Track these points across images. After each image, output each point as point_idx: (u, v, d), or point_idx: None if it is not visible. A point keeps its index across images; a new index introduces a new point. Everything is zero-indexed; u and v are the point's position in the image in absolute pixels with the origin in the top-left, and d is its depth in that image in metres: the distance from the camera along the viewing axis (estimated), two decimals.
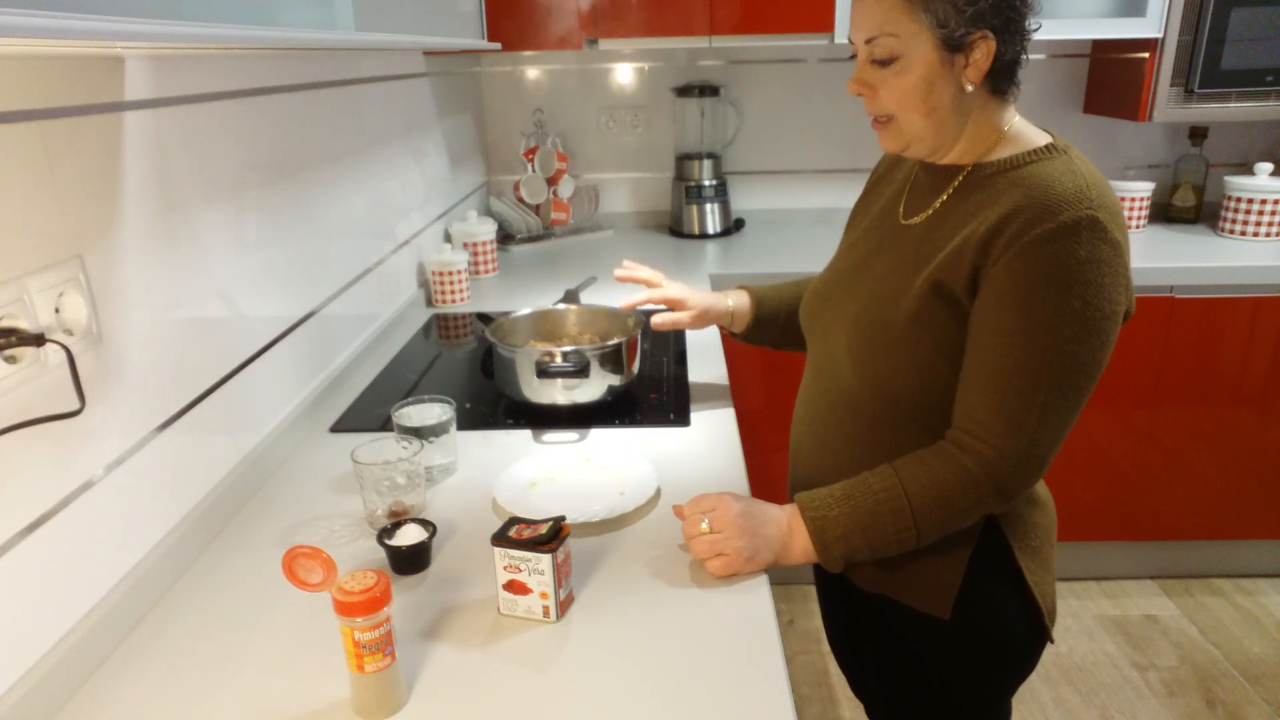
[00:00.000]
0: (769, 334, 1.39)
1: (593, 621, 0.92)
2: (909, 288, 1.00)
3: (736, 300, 1.38)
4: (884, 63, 0.96)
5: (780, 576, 2.57)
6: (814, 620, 2.43)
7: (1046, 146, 0.98)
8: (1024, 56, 0.98)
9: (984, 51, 0.94)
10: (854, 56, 1.02)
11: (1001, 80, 0.98)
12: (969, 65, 0.95)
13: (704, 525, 1.00)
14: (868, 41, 0.97)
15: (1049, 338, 0.90)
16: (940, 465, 0.96)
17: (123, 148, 0.95)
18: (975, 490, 0.95)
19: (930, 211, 1.03)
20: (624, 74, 2.76)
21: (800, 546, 1.00)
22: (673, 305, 1.38)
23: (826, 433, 1.11)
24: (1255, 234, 2.42)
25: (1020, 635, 1.08)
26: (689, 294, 1.39)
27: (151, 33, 0.61)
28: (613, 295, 2.05)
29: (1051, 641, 1.11)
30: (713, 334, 1.81)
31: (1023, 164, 0.97)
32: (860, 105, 2.75)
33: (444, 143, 2.30)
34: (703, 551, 0.99)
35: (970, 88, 0.96)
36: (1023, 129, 1.01)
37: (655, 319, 1.38)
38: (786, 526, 1.01)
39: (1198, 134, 2.61)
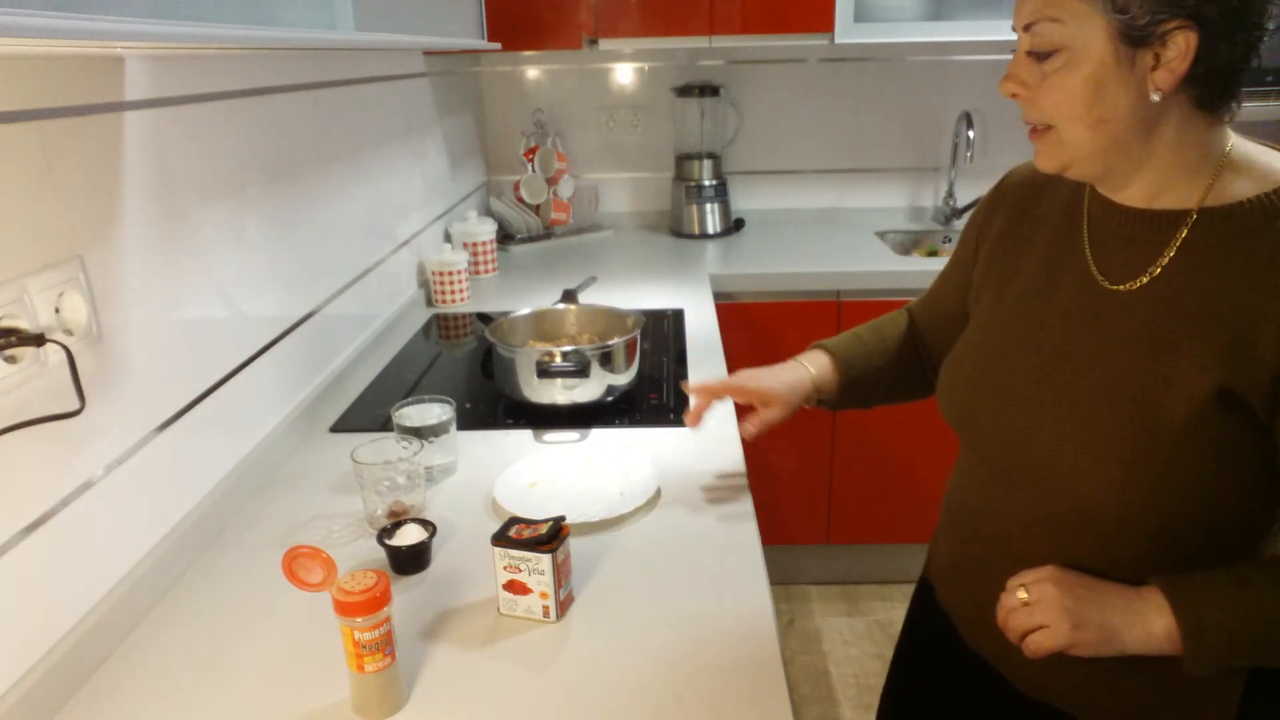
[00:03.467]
0: (859, 396, 1.15)
1: (593, 621, 0.92)
2: (1168, 386, 0.77)
3: (818, 369, 1.13)
4: (1043, 56, 0.76)
5: (780, 576, 2.57)
6: (814, 620, 2.43)
7: None
8: (1251, 60, 0.75)
9: (1181, 48, 0.71)
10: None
11: (1213, 92, 0.75)
12: (1159, 66, 0.72)
13: (1021, 594, 0.83)
14: (1026, 28, 0.77)
15: None
16: None
17: (123, 148, 0.95)
18: None
19: (1155, 272, 0.80)
20: (624, 74, 2.76)
21: (1160, 631, 0.77)
22: (751, 399, 1.12)
23: (1037, 557, 0.87)
24: None
25: None
26: (765, 382, 1.12)
27: (151, 33, 0.61)
28: (613, 295, 2.05)
29: None
30: (712, 334, 1.81)
31: None
32: (860, 105, 2.76)
33: (444, 143, 2.30)
34: (1019, 623, 0.82)
35: (1157, 96, 0.73)
36: (1253, 153, 0.79)
37: (744, 429, 1.14)
38: (1140, 604, 0.79)
39: None
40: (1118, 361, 0.80)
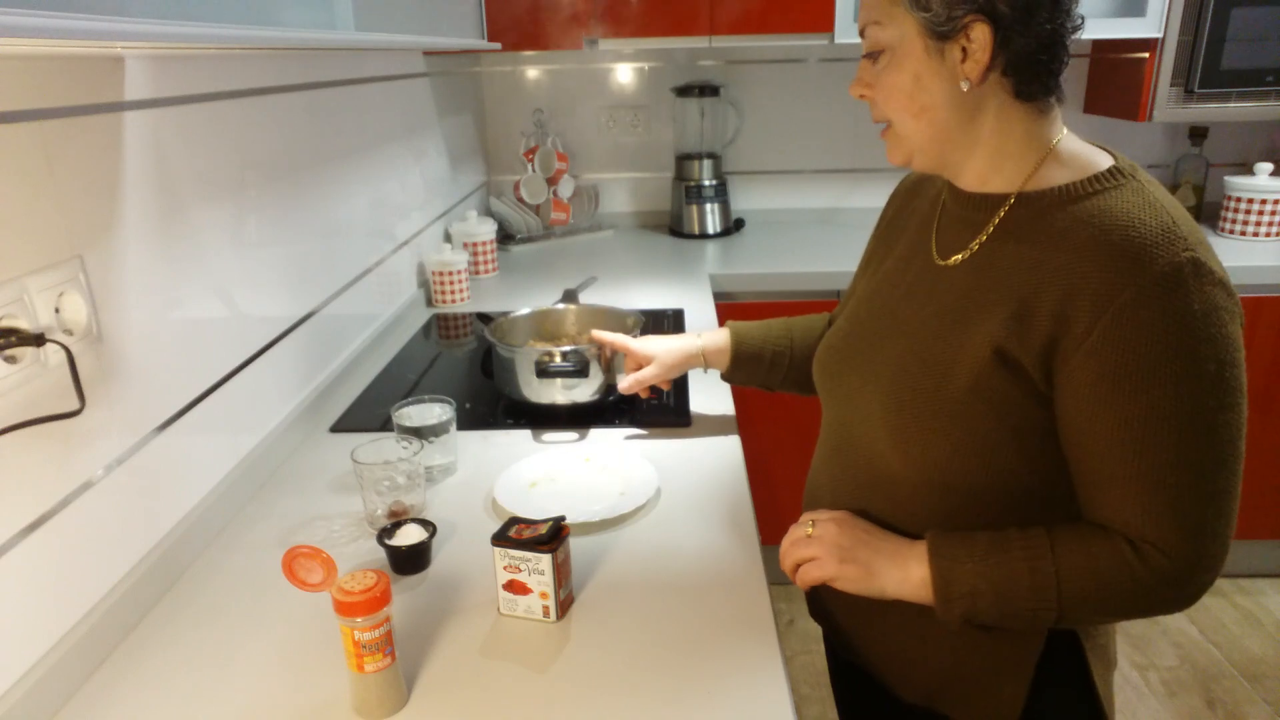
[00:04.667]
0: (755, 374, 1.25)
1: (593, 621, 0.92)
2: (961, 349, 0.83)
3: (710, 339, 1.25)
4: (874, 56, 0.84)
5: (780, 576, 2.57)
6: (814, 620, 2.43)
7: (1110, 171, 0.81)
8: (1060, 53, 0.80)
9: (980, 40, 0.78)
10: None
11: (1023, 80, 0.80)
12: (966, 58, 0.80)
13: (807, 529, 0.92)
14: (860, 33, 0.86)
15: (1197, 417, 0.74)
16: (1107, 561, 0.78)
17: (123, 148, 0.95)
18: (1145, 599, 0.78)
19: (971, 251, 0.87)
20: (624, 74, 2.76)
21: (917, 577, 0.84)
22: (640, 362, 1.29)
23: None
24: (1255, 234, 2.42)
25: None
26: (653, 347, 1.28)
27: (151, 33, 0.61)
28: (613, 295, 2.05)
29: None
30: None
31: (1083, 195, 0.80)
32: (860, 105, 2.75)
33: (444, 143, 2.30)
34: (796, 552, 0.91)
35: (965, 85, 0.80)
36: (1075, 147, 0.84)
37: (620, 384, 1.30)
38: (907, 551, 0.86)
39: (1198, 134, 2.61)
40: (927, 330, 0.87)
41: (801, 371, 1.21)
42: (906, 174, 1.07)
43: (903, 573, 0.85)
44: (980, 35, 0.78)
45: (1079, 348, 0.76)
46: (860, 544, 0.88)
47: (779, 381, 1.24)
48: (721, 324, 1.86)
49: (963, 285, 0.86)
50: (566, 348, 1.39)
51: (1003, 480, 0.83)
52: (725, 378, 1.29)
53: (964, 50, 0.80)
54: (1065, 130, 0.85)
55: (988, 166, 0.86)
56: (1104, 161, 0.83)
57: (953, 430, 0.83)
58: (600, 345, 1.36)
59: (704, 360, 1.27)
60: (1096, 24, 2.27)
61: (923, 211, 0.98)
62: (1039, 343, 0.78)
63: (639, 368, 1.30)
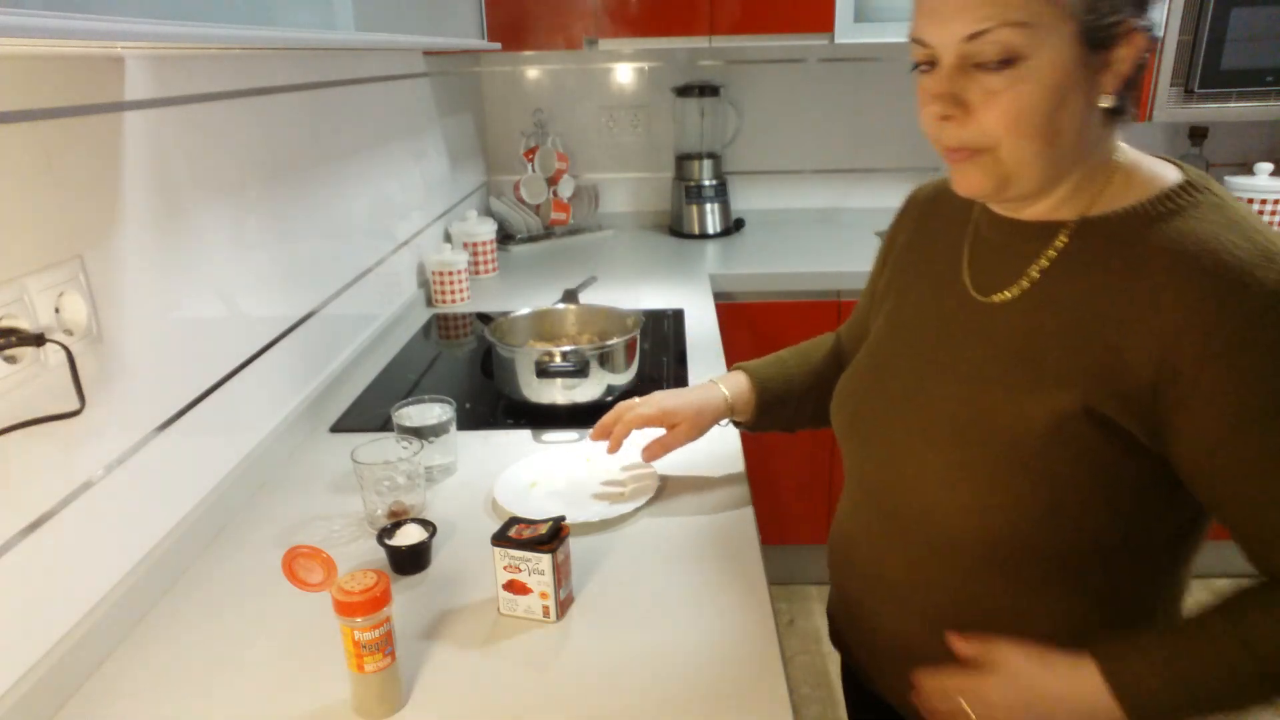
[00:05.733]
0: (780, 419, 1.13)
1: (593, 621, 0.92)
2: (1035, 402, 0.73)
3: (733, 388, 1.11)
4: (997, 66, 0.68)
5: (780, 576, 2.57)
6: (814, 620, 2.43)
7: (1182, 187, 0.73)
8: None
9: (1131, 50, 0.68)
10: (922, 66, 0.74)
11: (1131, 95, 0.72)
12: (1106, 70, 0.69)
13: (965, 708, 0.78)
14: (971, 37, 0.68)
15: None
16: None
17: (123, 148, 0.95)
18: None
19: (1025, 286, 0.77)
20: (624, 74, 2.76)
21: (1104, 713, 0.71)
22: (658, 423, 1.11)
23: (913, 595, 0.84)
24: None
25: None
26: (672, 403, 1.11)
27: (151, 33, 0.61)
28: (613, 295, 2.05)
29: None
30: (712, 334, 1.80)
31: (1158, 216, 0.71)
32: (860, 105, 2.75)
33: (444, 143, 2.30)
34: None
35: (1107, 101, 0.70)
36: (1137, 160, 0.76)
37: (645, 450, 1.13)
38: (1081, 688, 0.72)
39: (1198, 134, 2.61)
40: (985, 378, 0.77)
41: (821, 406, 1.07)
42: (917, 189, 0.98)
43: (1105, 708, 0.71)
44: (1134, 44, 0.68)
45: (1194, 393, 0.67)
46: (1031, 706, 0.74)
47: (805, 421, 1.13)
48: (721, 323, 1.87)
49: (1021, 326, 0.76)
50: (566, 348, 1.39)
51: (1091, 540, 0.74)
52: (749, 427, 1.15)
53: (1109, 60, 0.69)
54: (1120, 143, 0.75)
55: (1069, 193, 0.75)
56: (1172, 175, 0.74)
57: (1034, 492, 0.72)
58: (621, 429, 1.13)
59: (730, 411, 1.12)
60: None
61: (946, 235, 0.88)
62: (1139, 395, 0.69)
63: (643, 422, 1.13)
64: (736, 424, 1.16)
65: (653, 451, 1.12)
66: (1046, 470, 0.72)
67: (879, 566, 0.87)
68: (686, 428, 1.10)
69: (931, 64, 0.73)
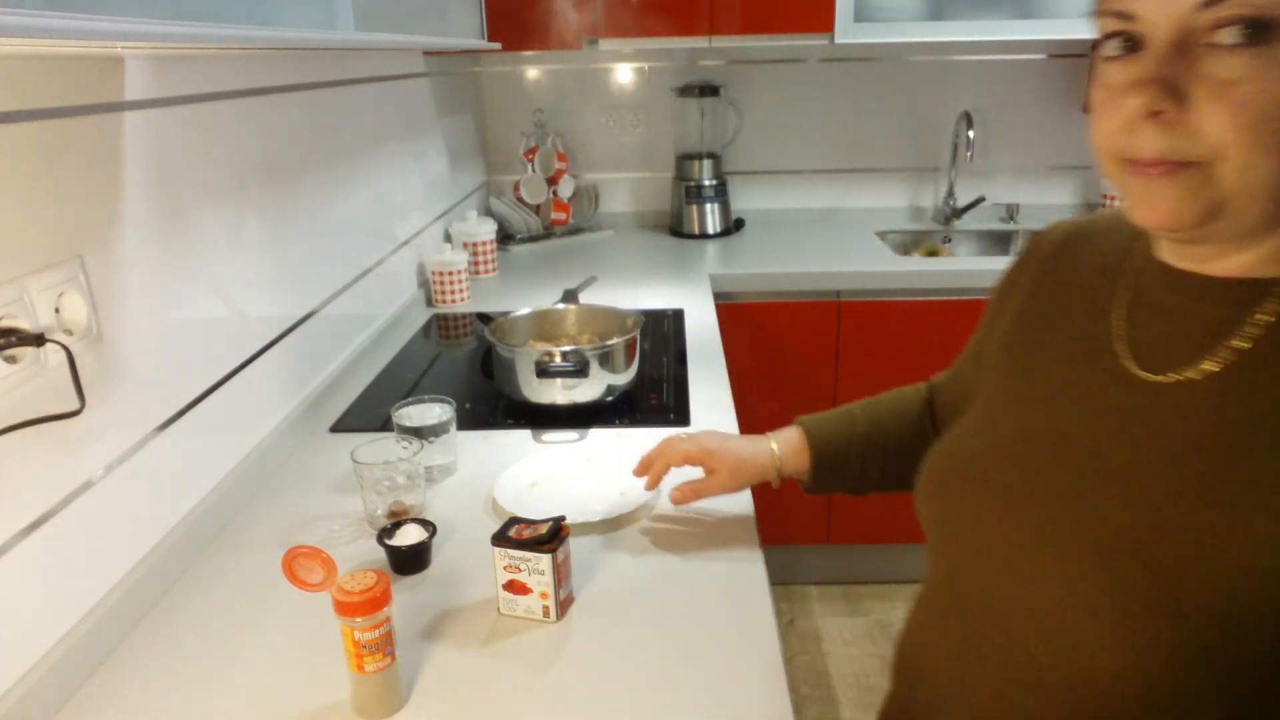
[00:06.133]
0: (843, 480, 1.00)
1: (593, 621, 0.92)
2: (1227, 518, 0.55)
3: (784, 444, 1.00)
4: (1240, 45, 0.51)
5: (780, 576, 2.57)
6: (814, 620, 2.43)
7: None
8: None
9: None
10: (1112, 47, 0.58)
11: None
12: None
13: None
14: (1207, 3, 0.51)
15: None
16: None
17: (123, 148, 0.95)
18: None
19: (1218, 362, 0.59)
20: (624, 74, 2.76)
21: None
22: (698, 462, 1.03)
23: None
24: None
25: None
26: (716, 444, 1.01)
27: (151, 33, 0.61)
28: (613, 295, 2.05)
29: None
30: (712, 334, 1.81)
31: None
32: (860, 105, 2.75)
33: (444, 143, 2.30)
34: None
35: None
36: None
37: (673, 494, 1.04)
38: None
39: None
40: (1147, 481, 0.59)
41: (895, 473, 0.97)
42: (1048, 228, 0.79)
43: None
44: None
45: None
46: None
47: (875, 483, 1.00)
48: (721, 323, 1.87)
49: (1213, 418, 0.58)
50: (566, 348, 1.39)
51: (1269, 715, 0.54)
52: (807, 487, 1.03)
53: None
54: None
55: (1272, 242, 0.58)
56: None
57: (1211, 642, 0.53)
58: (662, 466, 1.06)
59: (779, 473, 1.01)
60: (1096, 24, 2.26)
61: (1088, 291, 0.70)
62: None
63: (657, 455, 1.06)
64: (806, 488, 1.04)
65: (683, 494, 1.04)
66: (1235, 617, 0.53)
67: (961, 692, 0.69)
68: (725, 476, 1.01)
69: (1133, 43, 0.56)
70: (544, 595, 0.91)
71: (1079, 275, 0.72)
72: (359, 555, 1.05)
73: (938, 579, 0.75)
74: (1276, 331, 0.57)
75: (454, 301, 2.07)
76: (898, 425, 0.98)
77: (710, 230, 2.70)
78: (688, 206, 2.70)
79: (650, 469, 1.06)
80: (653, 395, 1.49)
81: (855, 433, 0.99)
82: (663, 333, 1.81)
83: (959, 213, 2.72)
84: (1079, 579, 0.60)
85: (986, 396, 0.76)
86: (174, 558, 1.01)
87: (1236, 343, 0.59)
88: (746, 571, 0.99)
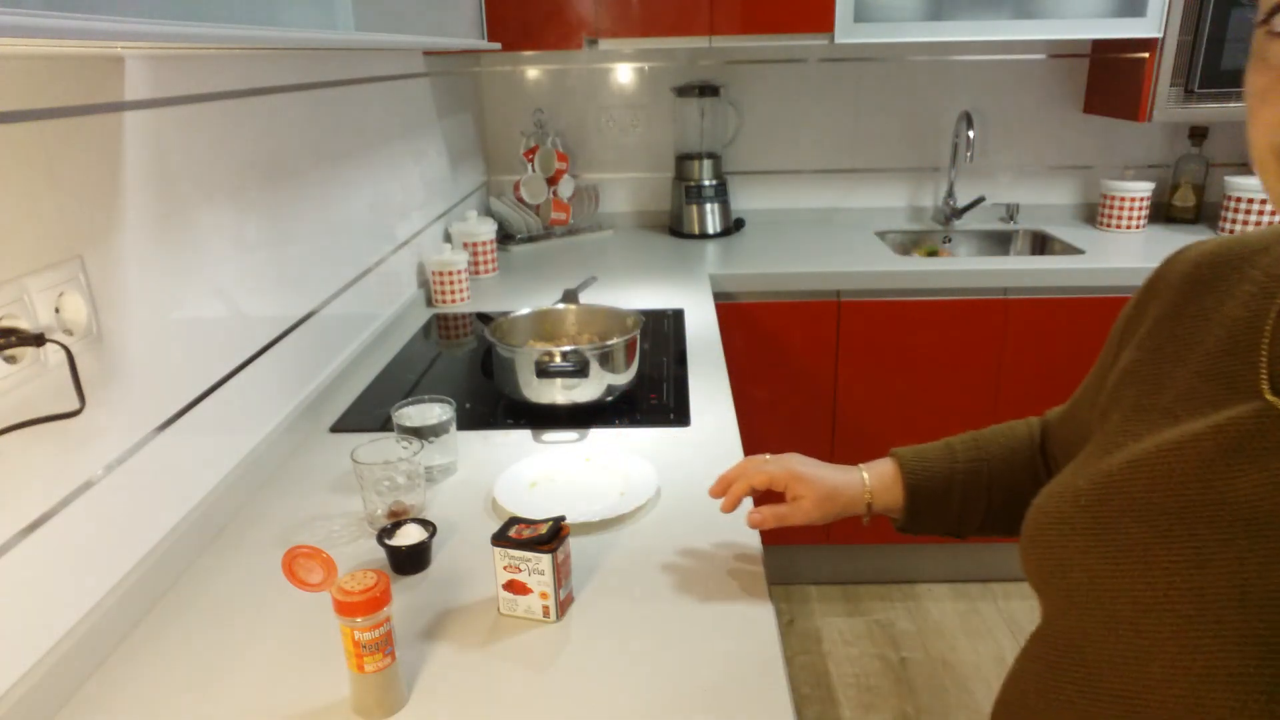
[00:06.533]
0: (941, 521, 0.91)
1: (593, 621, 0.92)
2: None
3: (877, 479, 0.91)
4: None
5: (780, 576, 2.57)
6: (814, 620, 2.43)
7: None
8: None
9: None
10: (1276, 16, 0.50)
11: None
12: None
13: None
14: None
15: None
16: None
17: (123, 148, 0.95)
18: None
19: None
20: (624, 74, 2.76)
21: None
22: (782, 487, 0.95)
23: None
24: None
25: None
26: (804, 470, 0.93)
27: (151, 33, 0.61)
28: (613, 295, 2.05)
29: None
30: (713, 334, 1.81)
31: None
32: (860, 105, 2.75)
33: (444, 143, 2.30)
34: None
35: None
36: None
37: (752, 516, 0.94)
38: None
39: (1198, 134, 2.61)
40: None
41: (1000, 515, 0.89)
42: (1181, 250, 0.71)
43: None
44: None
45: None
46: None
47: (977, 526, 0.91)
48: (721, 323, 1.87)
49: None
50: (566, 348, 1.39)
51: None
52: (902, 528, 0.94)
53: None
54: None
55: None
56: None
57: None
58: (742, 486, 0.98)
59: (869, 508, 0.92)
60: (1096, 24, 2.27)
61: (1230, 317, 0.62)
62: None
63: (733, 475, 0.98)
64: (900, 527, 0.94)
65: (764, 517, 0.93)
66: None
67: None
68: (809, 505, 0.92)
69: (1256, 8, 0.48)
70: (544, 595, 0.91)
71: (1219, 303, 0.64)
72: (359, 555, 1.05)
73: (1048, 631, 0.68)
74: None
75: (454, 301, 2.07)
76: (1004, 463, 0.89)
77: (710, 230, 2.70)
78: (688, 206, 2.70)
79: (729, 489, 0.97)
80: (653, 395, 1.49)
81: (956, 468, 0.89)
82: (663, 333, 1.81)
83: (959, 213, 2.72)
84: (1216, 644, 0.53)
85: (1106, 435, 0.67)
86: (174, 558, 1.01)
87: None
88: (746, 571, 1.00)
